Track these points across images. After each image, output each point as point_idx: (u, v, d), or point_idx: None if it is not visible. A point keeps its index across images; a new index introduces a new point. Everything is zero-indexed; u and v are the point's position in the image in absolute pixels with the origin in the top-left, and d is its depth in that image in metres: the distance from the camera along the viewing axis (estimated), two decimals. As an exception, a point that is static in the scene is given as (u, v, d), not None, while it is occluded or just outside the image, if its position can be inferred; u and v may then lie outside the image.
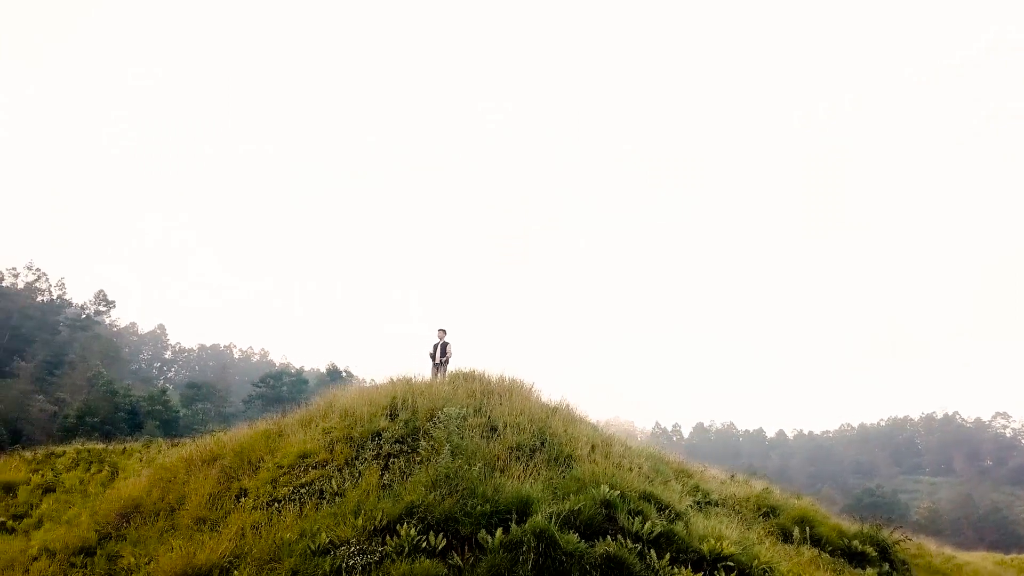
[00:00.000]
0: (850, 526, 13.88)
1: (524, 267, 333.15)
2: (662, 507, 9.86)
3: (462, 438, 11.21)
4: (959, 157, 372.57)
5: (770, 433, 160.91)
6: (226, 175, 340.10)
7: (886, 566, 12.31)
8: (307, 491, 10.44)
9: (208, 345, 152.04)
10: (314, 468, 11.11)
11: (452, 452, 10.44)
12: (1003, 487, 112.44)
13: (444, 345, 17.81)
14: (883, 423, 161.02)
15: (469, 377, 15.64)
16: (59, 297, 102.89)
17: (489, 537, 8.21)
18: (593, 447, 12.30)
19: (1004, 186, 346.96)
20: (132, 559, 9.77)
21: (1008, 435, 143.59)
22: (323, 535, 8.69)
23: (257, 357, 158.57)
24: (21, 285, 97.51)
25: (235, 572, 8.59)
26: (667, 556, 8.25)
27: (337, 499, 9.94)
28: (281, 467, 11.37)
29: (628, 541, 8.32)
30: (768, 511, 13.49)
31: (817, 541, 12.42)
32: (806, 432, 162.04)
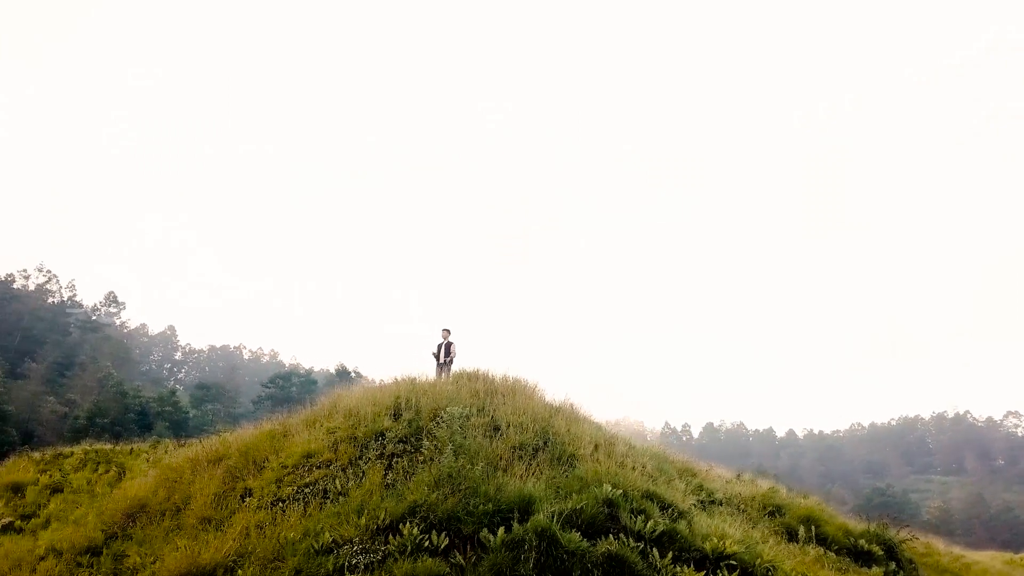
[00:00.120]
0: (856, 525, 13.80)
1: (524, 267, 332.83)
2: (665, 506, 9.84)
3: (465, 437, 11.22)
4: (959, 157, 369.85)
5: (780, 433, 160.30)
6: (226, 175, 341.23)
7: (892, 565, 12.23)
8: (311, 491, 10.49)
9: (218, 346, 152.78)
10: (318, 468, 11.15)
11: (455, 451, 10.45)
12: (1015, 486, 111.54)
13: (448, 345, 17.81)
14: (894, 422, 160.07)
15: (473, 377, 15.64)
16: (69, 299, 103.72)
17: (491, 536, 8.22)
18: (596, 446, 12.28)
19: (1004, 186, 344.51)
20: (138, 558, 9.85)
21: (1020, 434, 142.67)
22: (326, 534, 8.73)
23: (267, 358, 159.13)
24: (32, 287, 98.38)
25: (239, 571, 8.64)
26: (669, 555, 8.23)
27: (341, 498, 9.98)
28: (286, 467, 11.42)
29: (630, 540, 8.30)
30: (774, 510, 13.43)
31: (823, 540, 12.35)
32: (816, 432, 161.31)
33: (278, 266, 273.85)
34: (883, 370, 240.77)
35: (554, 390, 17.80)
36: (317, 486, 10.57)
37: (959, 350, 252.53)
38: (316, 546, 8.56)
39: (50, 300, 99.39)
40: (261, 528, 9.68)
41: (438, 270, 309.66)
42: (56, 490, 16.38)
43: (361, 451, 11.45)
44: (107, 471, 17.41)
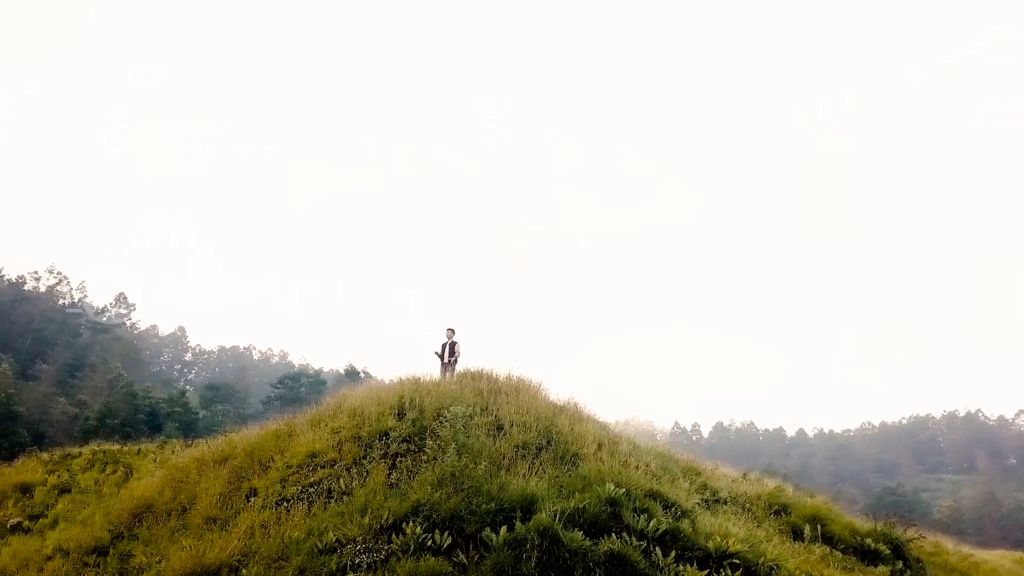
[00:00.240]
0: (863, 524, 13.73)
1: (524, 267, 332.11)
2: (668, 505, 9.82)
3: (468, 437, 11.24)
4: (959, 157, 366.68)
5: (790, 432, 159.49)
6: (226, 175, 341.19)
7: (899, 564, 12.15)
8: (315, 490, 10.54)
9: (228, 347, 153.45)
10: (323, 467, 11.19)
11: (458, 451, 10.47)
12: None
13: (452, 345, 17.81)
14: (904, 421, 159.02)
15: (477, 376, 15.64)
16: (80, 300, 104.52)
17: (493, 535, 8.23)
18: (600, 445, 12.27)
19: (1004, 186, 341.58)
20: (144, 558, 9.92)
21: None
22: (330, 534, 8.76)
23: (276, 358, 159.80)
24: (43, 289, 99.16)
25: (243, 571, 8.68)
26: (672, 554, 8.22)
27: (345, 498, 10.01)
28: (290, 467, 11.47)
29: (633, 539, 8.29)
30: (780, 509, 13.36)
31: (829, 539, 12.28)
32: (827, 431, 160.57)
33: (278, 266, 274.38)
34: (884, 370, 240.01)
35: (557, 390, 17.80)
36: (321, 486, 10.61)
37: (959, 350, 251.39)
38: (320, 545, 8.59)
39: (60, 301, 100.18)
40: (266, 528, 9.73)
41: (438, 270, 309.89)
42: (64, 490, 16.51)
43: (365, 451, 11.48)
44: (114, 471, 17.52)
